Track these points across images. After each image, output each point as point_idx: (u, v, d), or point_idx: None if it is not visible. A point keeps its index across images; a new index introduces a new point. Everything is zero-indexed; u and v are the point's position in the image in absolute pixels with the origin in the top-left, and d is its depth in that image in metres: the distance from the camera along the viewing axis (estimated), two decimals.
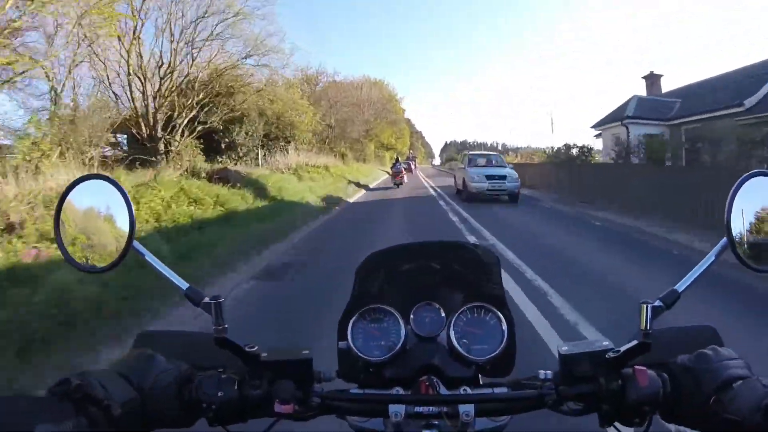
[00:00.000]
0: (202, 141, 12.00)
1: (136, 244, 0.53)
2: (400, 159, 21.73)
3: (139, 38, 10.41)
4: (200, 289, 0.51)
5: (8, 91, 7.43)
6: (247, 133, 13.61)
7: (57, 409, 0.37)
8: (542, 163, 18.73)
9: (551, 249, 6.01)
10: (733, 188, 0.51)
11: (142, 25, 10.47)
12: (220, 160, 12.57)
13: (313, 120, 17.64)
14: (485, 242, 6.15)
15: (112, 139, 9.43)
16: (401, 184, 17.50)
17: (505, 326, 0.61)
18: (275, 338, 2.84)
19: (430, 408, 0.50)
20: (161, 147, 10.77)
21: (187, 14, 11.38)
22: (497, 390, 0.55)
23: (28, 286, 3.15)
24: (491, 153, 15.71)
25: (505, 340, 0.60)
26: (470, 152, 16.43)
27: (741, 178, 0.51)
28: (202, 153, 11.76)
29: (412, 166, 29.96)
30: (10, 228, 4.18)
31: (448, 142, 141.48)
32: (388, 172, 21.47)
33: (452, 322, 0.61)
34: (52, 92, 8.38)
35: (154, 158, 9.81)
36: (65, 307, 2.93)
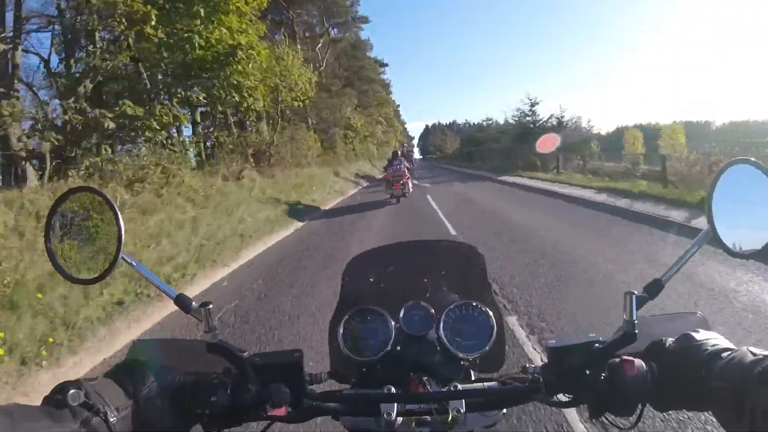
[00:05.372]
0: None
1: (125, 254, 0.54)
2: (397, 154, 11.39)
3: None
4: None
5: None
6: None
7: (53, 418, 0.37)
8: None
9: None
10: (715, 176, 0.50)
11: None
12: None
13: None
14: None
15: None
16: (402, 196, 10.08)
17: (493, 322, 0.61)
18: None
19: (422, 405, 0.51)
20: None
21: None
22: (487, 385, 0.55)
23: None
24: None
25: (493, 335, 0.60)
26: None
27: (722, 166, 0.51)
28: None
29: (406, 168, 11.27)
30: None
31: (429, 126, 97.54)
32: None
33: (441, 319, 0.61)
34: None
35: None
36: None
